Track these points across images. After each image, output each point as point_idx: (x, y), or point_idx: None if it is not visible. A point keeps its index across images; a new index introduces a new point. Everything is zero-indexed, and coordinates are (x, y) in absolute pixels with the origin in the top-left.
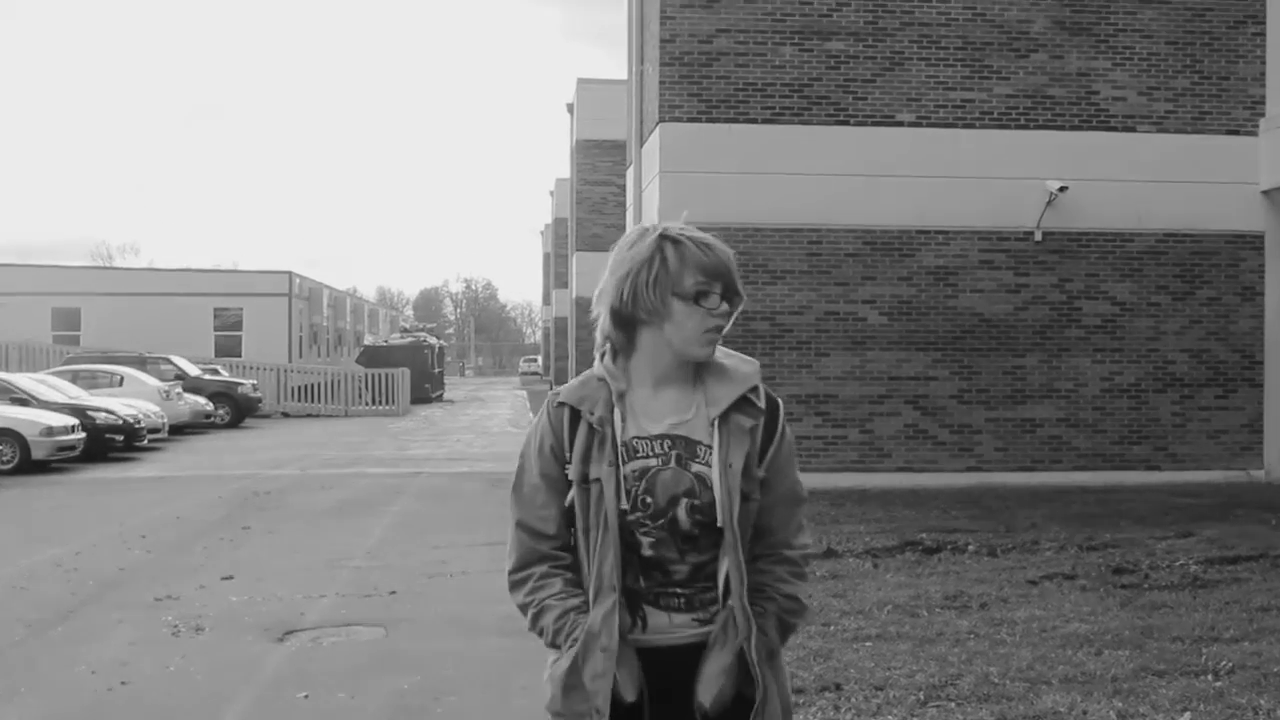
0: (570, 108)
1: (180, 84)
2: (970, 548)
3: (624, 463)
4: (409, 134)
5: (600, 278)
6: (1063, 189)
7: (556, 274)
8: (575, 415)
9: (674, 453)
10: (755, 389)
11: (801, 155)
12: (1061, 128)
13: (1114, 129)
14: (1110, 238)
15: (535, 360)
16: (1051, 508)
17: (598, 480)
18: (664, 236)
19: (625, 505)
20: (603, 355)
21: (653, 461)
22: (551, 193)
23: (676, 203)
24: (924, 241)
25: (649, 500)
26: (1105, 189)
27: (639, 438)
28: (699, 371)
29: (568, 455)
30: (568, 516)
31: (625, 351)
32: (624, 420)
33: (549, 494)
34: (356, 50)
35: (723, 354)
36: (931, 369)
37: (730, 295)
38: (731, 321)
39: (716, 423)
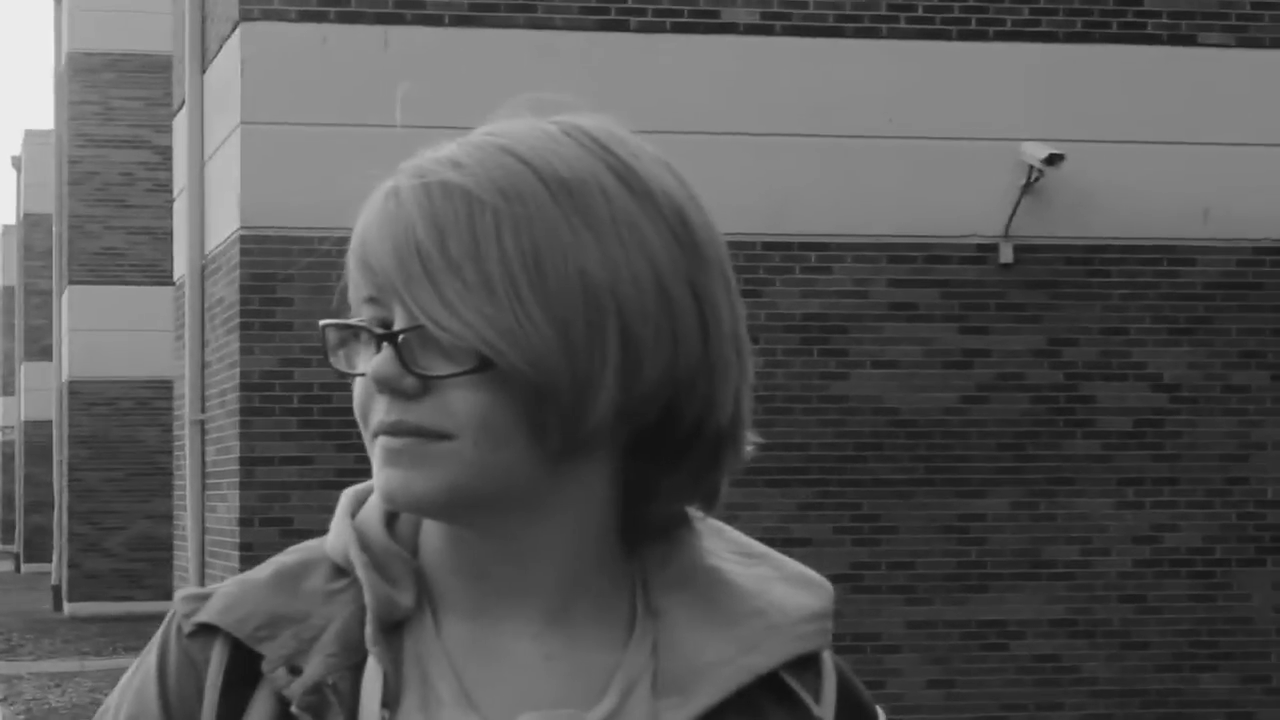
0: None
1: None
2: None
3: None
4: None
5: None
6: (1053, 160)
7: (28, 331)
8: (245, 670)
9: None
10: (810, 661)
11: (532, 87)
12: (1051, 37)
13: (1159, 40)
14: (1149, 254)
15: None
16: None
17: None
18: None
19: None
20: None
21: None
22: (16, 161)
23: (272, 187)
24: (779, 266)
25: None
26: (1136, 159)
27: None
28: (647, 584)
29: None
30: None
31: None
32: (392, 705)
33: None
34: None
35: (730, 546)
36: (799, 520)
37: (387, 306)
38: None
39: None
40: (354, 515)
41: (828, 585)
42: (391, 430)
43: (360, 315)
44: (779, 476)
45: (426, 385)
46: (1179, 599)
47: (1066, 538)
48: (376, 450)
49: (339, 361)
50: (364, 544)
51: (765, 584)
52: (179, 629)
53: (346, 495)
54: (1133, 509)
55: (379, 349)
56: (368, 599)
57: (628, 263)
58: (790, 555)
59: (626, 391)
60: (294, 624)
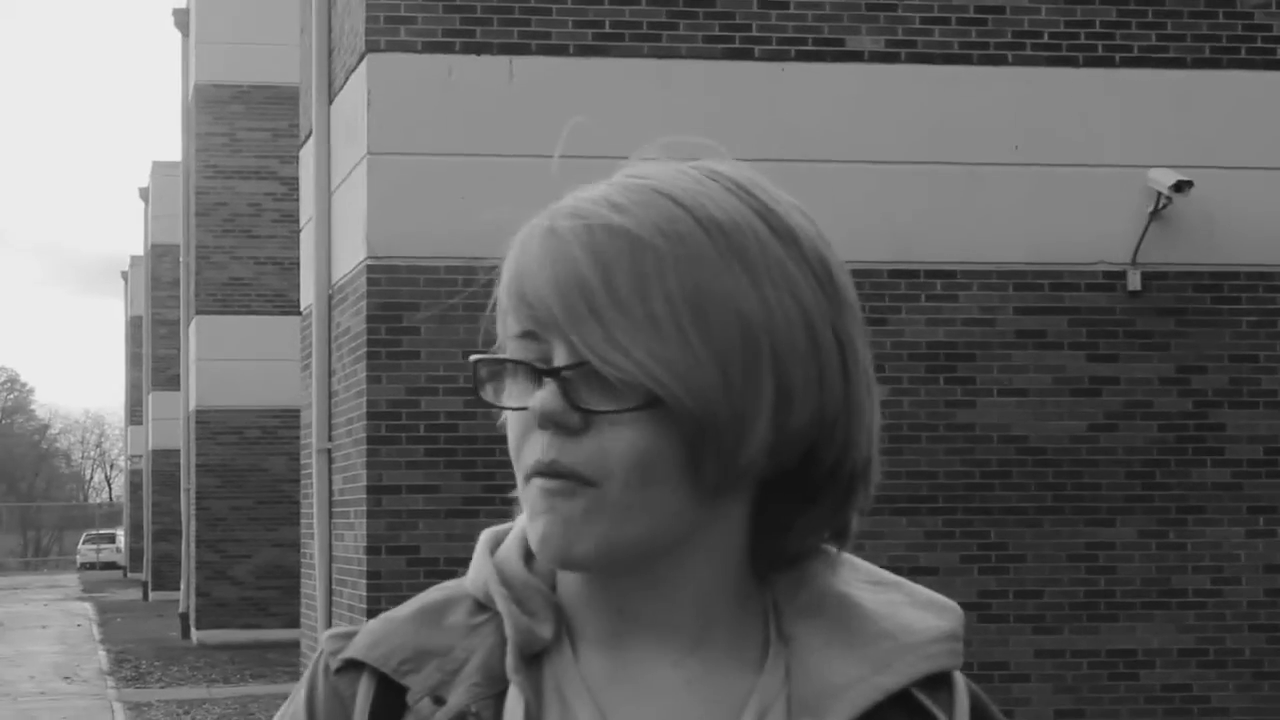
0: (181, 19)
1: None
2: None
3: None
4: None
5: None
6: (1181, 186)
7: (155, 360)
8: (390, 704)
9: None
10: (942, 681)
11: (656, 117)
12: (1179, 63)
13: None
14: (1279, 280)
15: (113, 538)
16: None
17: None
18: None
19: None
20: (492, 548)
21: None
22: (144, 193)
23: (399, 218)
24: (906, 293)
25: None
26: (1265, 185)
27: None
28: (779, 611)
29: None
30: None
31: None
32: None
33: None
34: None
35: (861, 575)
36: (926, 548)
37: (546, 341)
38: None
39: None
40: (493, 553)
41: (957, 608)
42: (546, 472)
43: (511, 350)
44: (906, 505)
45: (589, 422)
46: None
47: (1196, 566)
48: (531, 493)
49: (488, 395)
50: (504, 579)
51: (895, 608)
52: (326, 666)
53: (485, 535)
54: (1264, 537)
55: (539, 384)
56: (508, 630)
57: (780, 305)
58: (917, 583)
59: (778, 431)
60: (437, 657)
